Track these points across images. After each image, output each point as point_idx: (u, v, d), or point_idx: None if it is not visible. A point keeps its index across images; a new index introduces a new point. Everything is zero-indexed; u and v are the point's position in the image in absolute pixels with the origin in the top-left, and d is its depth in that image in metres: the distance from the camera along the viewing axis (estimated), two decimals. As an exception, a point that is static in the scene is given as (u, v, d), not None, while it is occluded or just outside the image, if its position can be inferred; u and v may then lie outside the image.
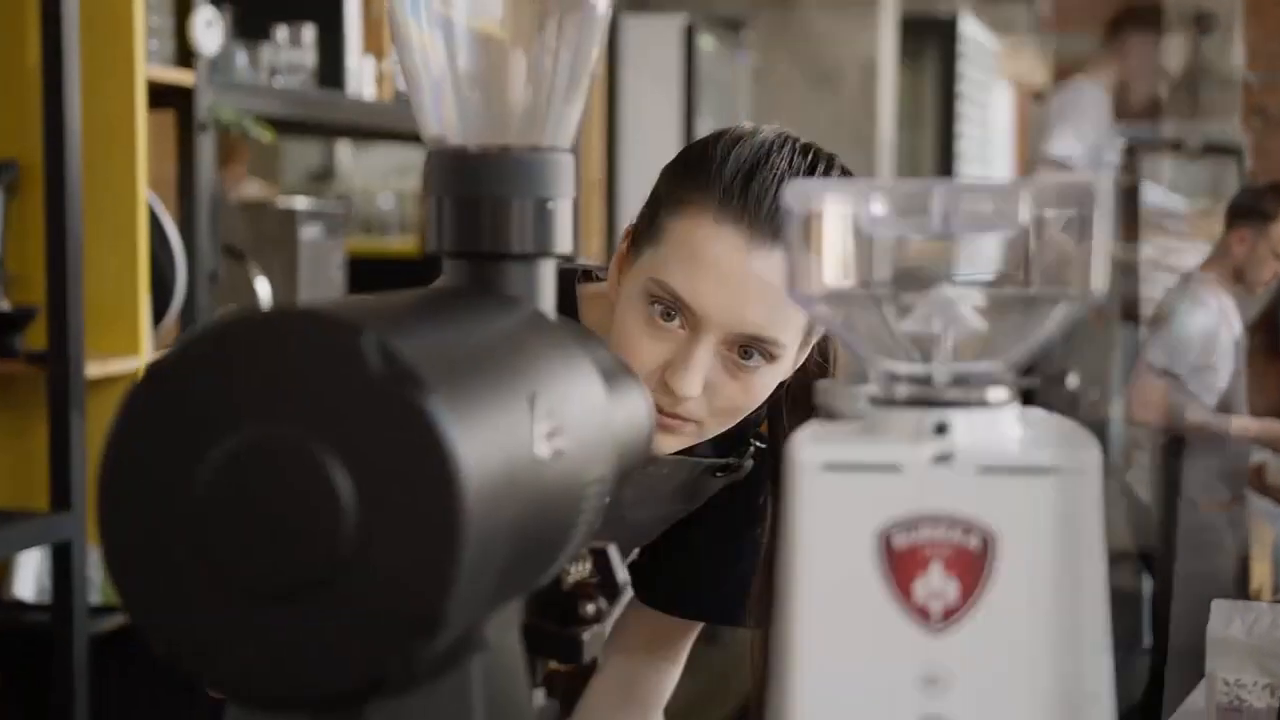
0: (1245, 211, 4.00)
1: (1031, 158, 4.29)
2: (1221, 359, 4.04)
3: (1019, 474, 0.64)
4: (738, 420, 1.28)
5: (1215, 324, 3.98)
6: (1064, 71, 9.55)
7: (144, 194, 2.46)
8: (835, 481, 0.65)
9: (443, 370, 0.60)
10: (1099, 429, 4.23)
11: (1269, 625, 1.72)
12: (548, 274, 0.77)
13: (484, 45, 0.76)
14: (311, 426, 0.58)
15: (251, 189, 4.03)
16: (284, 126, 3.18)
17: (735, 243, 1.20)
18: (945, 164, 7.86)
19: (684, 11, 5.20)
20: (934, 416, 0.66)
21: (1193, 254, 4.24)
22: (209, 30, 2.61)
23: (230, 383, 0.59)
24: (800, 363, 1.31)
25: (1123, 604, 4.87)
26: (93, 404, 2.39)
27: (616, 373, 0.81)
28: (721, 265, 1.20)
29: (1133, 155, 4.28)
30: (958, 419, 0.65)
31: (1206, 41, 8.56)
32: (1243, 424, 4.14)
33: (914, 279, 0.70)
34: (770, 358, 1.23)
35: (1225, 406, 4.12)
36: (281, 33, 3.02)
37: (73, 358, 2.27)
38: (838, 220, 0.67)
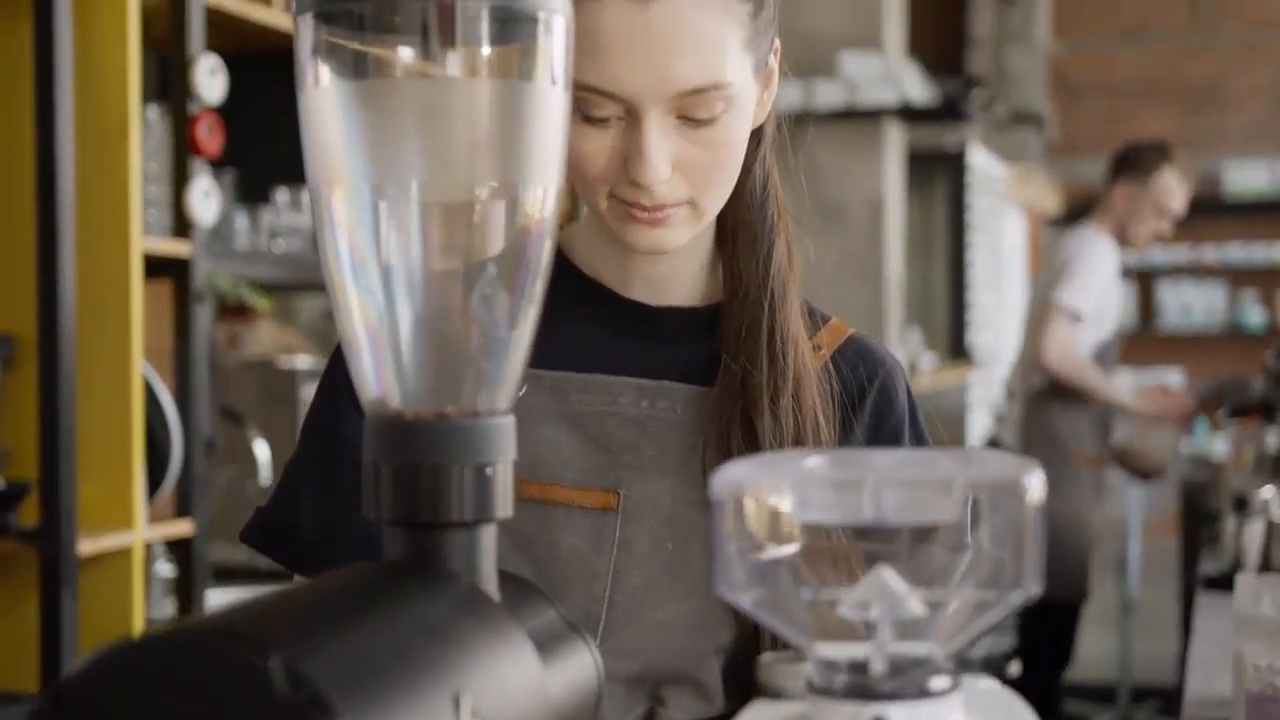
0: (1125, 165, 4.14)
1: (1037, 299, 4.28)
2: (1110, 311, 4.10)
3: (958, 776, 0.62)
4: (732, 184, 1.17)
5: (1111, 274, 4.08)
6: (1073, 197, 9.62)
7: (139, 367, 2.46)
8: (769, 781, 0.63)
9: (356, 686, 0.58)
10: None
11: None
12: (488, 540, 0.75)
13: (423, 310, 0.75)
14: (216, 753, 0.56)
15: (265, 333, 4.04)
16: (285, 285, 3.20)
17: (622, 6, 1.08)
18: (957, 293, 7.88)
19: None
20: (871, 710, 0.64)
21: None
22: (206, 200, 2.63)
23: (133, 708, 0.57)
24: (768, 101, 1.21)
25: None
26: (85, 582, 2.38)
27: (558, 635, 0.79)
28: (621, 36, 1.08)
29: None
30: (896, 712, 0.63)
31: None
32: (1128, 391, 4.16)
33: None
34: (725, 103, 1.12)
35: (1099, 361, 4.16)
36: (282, 195, 3.04)
37: (65, 536, 2.26)
38: (768, 508, 0.65)
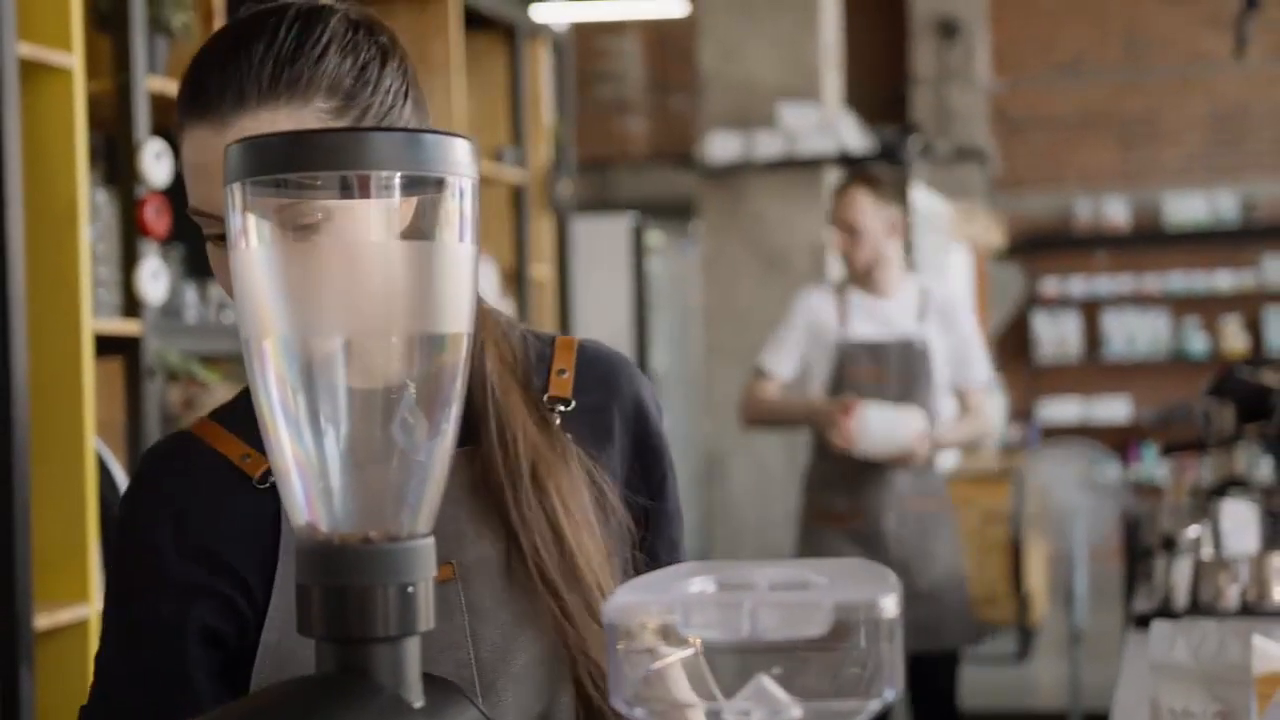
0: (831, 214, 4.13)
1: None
2: (819, 362, 4.05)
3: None
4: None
5: (800, 328, 4.03)
6: (1017, 230, 9.77)
7: (91, 444, 2.52)
8: None
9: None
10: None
11: (1218, 645, 1.63)
12: (412, 651, 0.83)
13: (348, 445, 0.83)
14: None
15: (220, 396, 4.07)
16: (237, 356, 3.25)
17: (205, 137, 1.17)
18: (904, 330, 7.97)
19: (634, 210, 5.33)
20: (752, 807, 0.71)
21: None
22: (155, 280, 2.70)
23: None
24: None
25: None
26: (42, 656, 2.43)
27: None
28: (204, 160, 1.17)
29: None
30: (774, 808, 0.71)
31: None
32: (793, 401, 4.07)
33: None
34: (324, 213, 1.12)
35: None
36: (229, 268, 3.10)
37: (21, 613, 2.31)
38: (657, 628, 0.73)
